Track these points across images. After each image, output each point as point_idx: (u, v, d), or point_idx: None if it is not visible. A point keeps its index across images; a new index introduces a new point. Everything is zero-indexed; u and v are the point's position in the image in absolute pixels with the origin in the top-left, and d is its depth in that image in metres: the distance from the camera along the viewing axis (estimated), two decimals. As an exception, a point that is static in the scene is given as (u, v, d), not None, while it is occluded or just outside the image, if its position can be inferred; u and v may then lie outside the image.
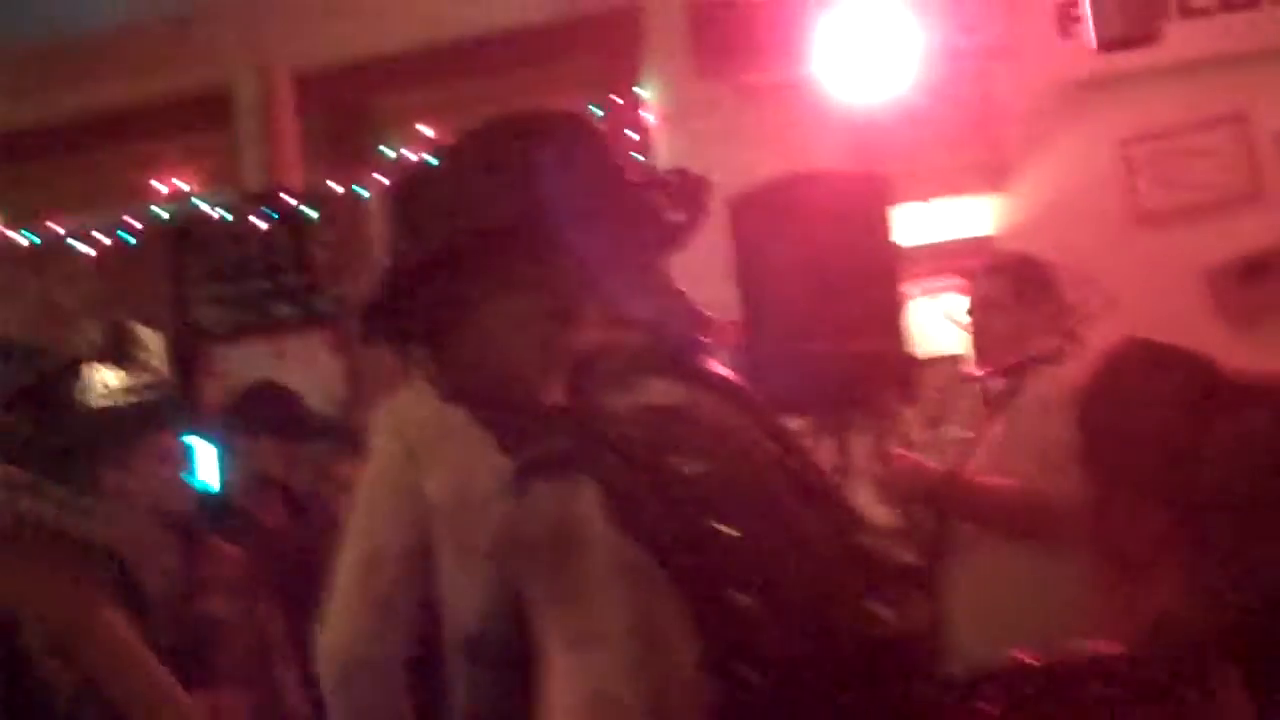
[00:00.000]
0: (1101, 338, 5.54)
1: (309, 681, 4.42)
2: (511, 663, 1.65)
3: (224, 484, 5.00)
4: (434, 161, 1.90)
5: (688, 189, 1.89)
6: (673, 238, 1.91)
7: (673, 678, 1.53)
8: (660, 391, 1.73)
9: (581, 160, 1.85)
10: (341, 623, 2.95)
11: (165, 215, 7.55)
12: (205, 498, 4.43)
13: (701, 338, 1.86)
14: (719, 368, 1.84)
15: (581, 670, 1.52)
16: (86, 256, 7.65)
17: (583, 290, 1.80)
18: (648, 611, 1.54)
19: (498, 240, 1.78)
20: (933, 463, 4.22)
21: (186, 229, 7.79)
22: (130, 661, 2.73)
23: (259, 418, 4.87)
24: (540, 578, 1.58)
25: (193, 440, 4.38)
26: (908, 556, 4.05)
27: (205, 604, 4.14)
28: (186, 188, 7.49)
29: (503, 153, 1.83)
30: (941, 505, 4.15)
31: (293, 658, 4.40)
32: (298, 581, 4.72)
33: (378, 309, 1.85)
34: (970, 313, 4.58)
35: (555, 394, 1.79)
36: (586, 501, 1.56)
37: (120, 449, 4.10)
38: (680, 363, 1.79)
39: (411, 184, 1.89)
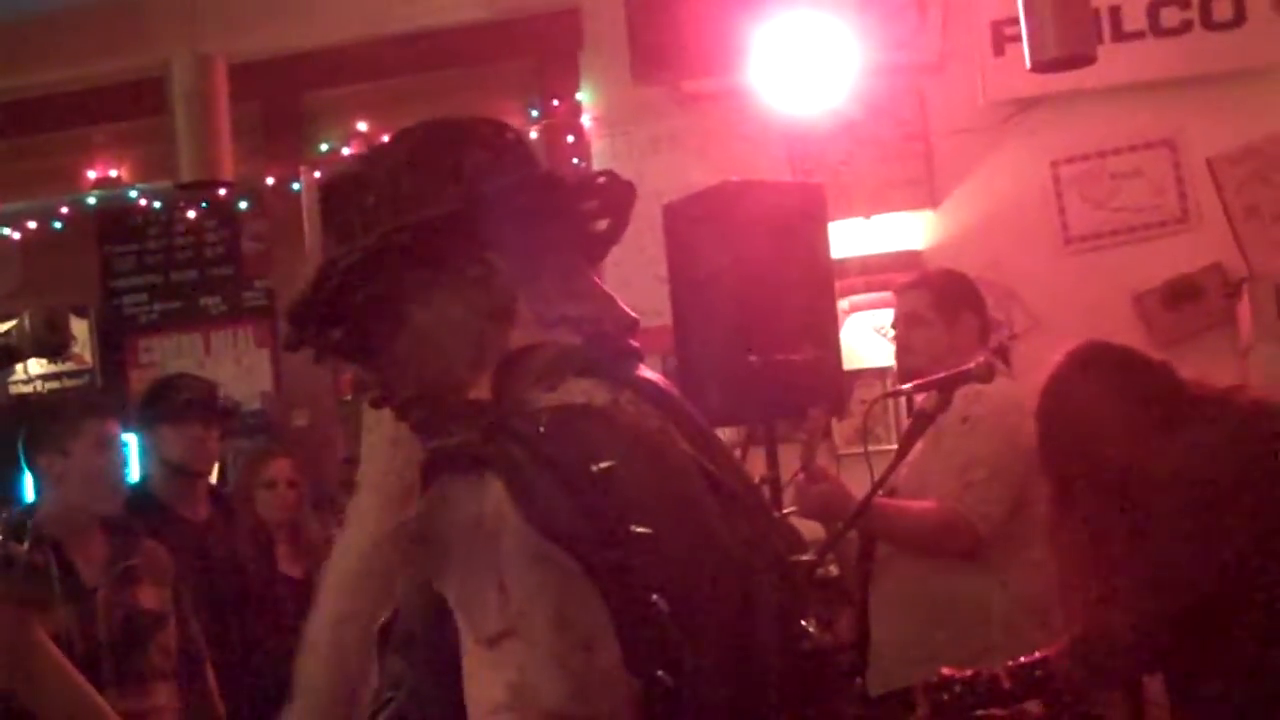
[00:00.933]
0: (1027, 355, 5.63)
1: (225, 681, 4.41)
2: (421, 657, 1.65)
3: (144, 475, 4.96)
4: (362, 163, 1.89)
5: (615, 193, 1.90)
6: (600, 241, 1.93)
7: (595, 670, 1.52)
8: (581, 391, 1.73)
9: (511, 163, 1.85)
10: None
11: (94, 202, 7.48)
12: (130, 489, 4.40)
13: (630, 341, 1.86)
14: (647, 372, 1.85)
15: (500, 662, 1.51)
16: (12, 241, 7.57)
17: (516, 290, 1.80)
18: (566, 604, 1.52)
19: (431, 238, 1.77)
20: (853, 483, 4.24)
21: (116, 217, 7.73)
22: (58, 679, 2.70)
23: (164, 407, 4.84)
24: (453, 575, 1.57)
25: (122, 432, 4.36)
26: (832, 569, 4.09)
27: (136, 596, 4.11)
28: (117, 175, 7.42)
29: (434, 154, 1.83)
30: (861, 526, 4.17)
31: (211, 656, 4.37)
32: (220, 577, 4.69)
33: (307, 312, 1.84)
34: (893, 326, 4.61)
35: (481, 393, 1.78)
36: (495, 495, 1.56)
37: (61, 435, 4.08)
38: (606, 364, 1.79)
39: (340, 185, 1.87)
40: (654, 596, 1.56)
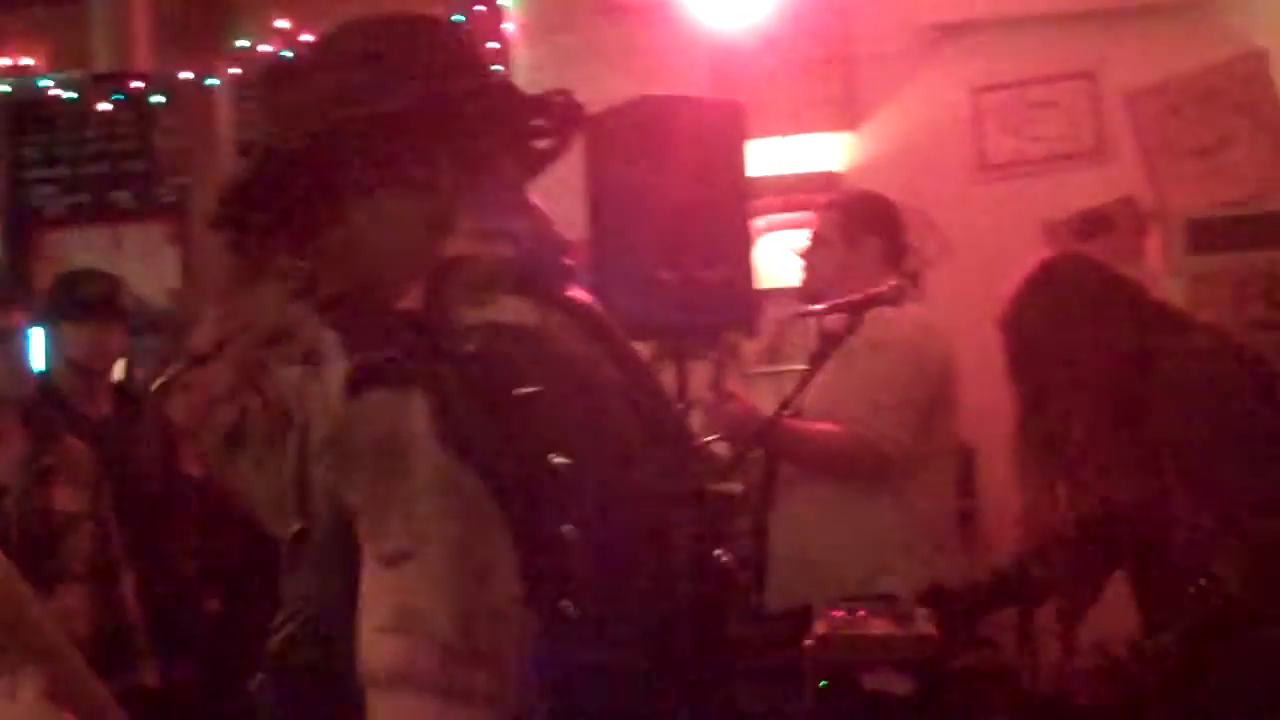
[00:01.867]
0: (939, 281, 5.67)
1: (140, 587, 4.39)
2: (326, 567, 1.64)
3: (46, 369, 4.91)
4: (312, 50, 1.84)
5: (566, 112, 1.88)
6: (542, 158, 1.91)
7: (488, 604, 1.51)
8: (512, 309, 1.71)
9: (467, 67, 1.83)
10: None
11: (6, 90, 7.34)
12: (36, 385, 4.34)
13: (565, 260, 1.85)
14: (579, 292, 1.84)
15: (394, 584, 1.50)
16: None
17: (458, 198, 1.78)
18: (468, 533, 1.51)
19: (381, 133, 1.74)
20: (762, 403, 4.27)
21: (27, 107, 7.59)
22: None
23: (68, 303, 4.79)
24: (361, 487, 1.56)
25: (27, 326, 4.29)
26: (736, 488, 4.13)
27: (50, 495, 4.08)
28: (30, 63, 7.29)
29: (391, 49, 1.79)
30: (768, 448, 4.20)
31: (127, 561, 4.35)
32: (117, 475, 4.66)
33: (242, 193, 1.80)
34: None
35: (412, 301, 1.76)
36: (415, 414, 1.54)
37: None
38: (539, 283, 1.78)
39: (289, 70, 1.83)
40: (566, 526, 1.56)
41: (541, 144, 1.89)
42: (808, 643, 3.37)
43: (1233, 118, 5.99)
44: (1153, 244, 5.83)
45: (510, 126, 1.85)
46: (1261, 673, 3.10)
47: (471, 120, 1.78)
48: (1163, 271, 5.67)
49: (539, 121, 1.87)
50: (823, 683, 3.31)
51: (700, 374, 4.25)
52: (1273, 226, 5.74)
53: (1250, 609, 3.11)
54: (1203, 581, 3.15)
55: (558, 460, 1.57)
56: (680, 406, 4.09)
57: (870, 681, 3.27)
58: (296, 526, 1.77)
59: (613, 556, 1.61)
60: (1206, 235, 5.74)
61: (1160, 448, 3.27)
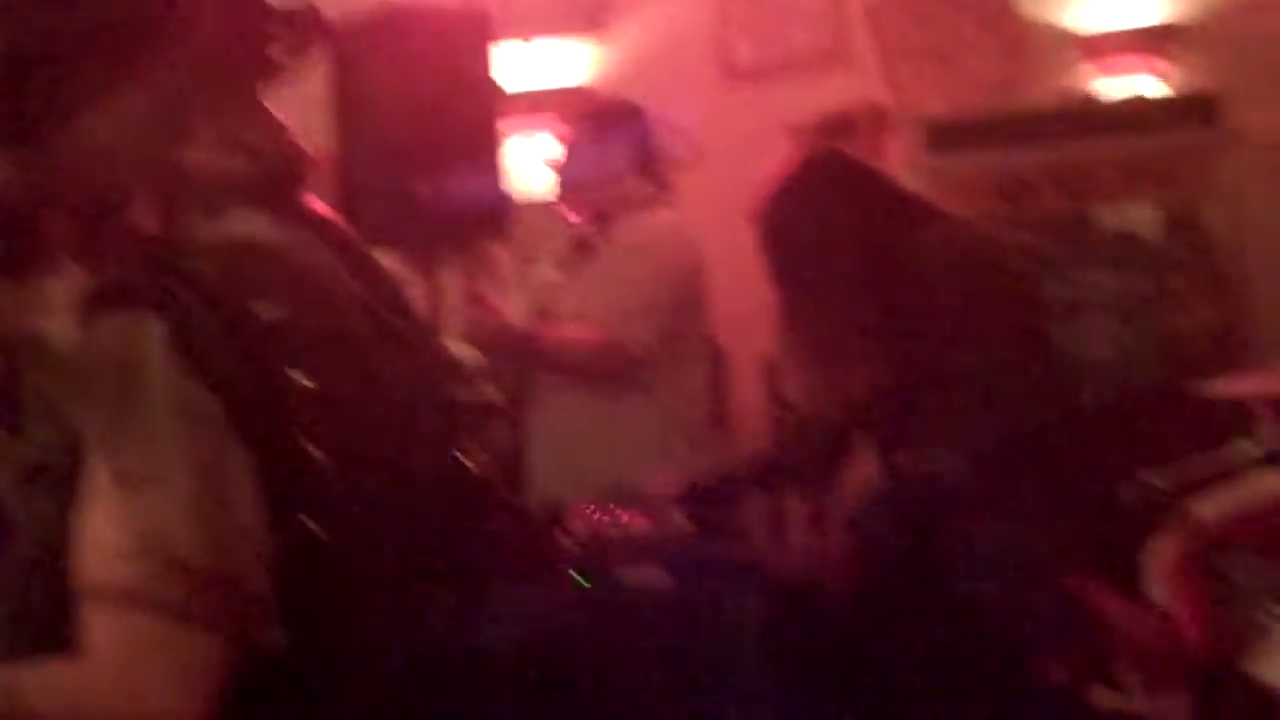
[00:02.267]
0: (689, 187, 5.74)
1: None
2: (61, 494, 1.60)
3: None
4: None
5: (313, 29, 1.85)
6: (283, 69, 1.88)
7: (233, 525, 1.49)
8: (251, 225, 1.69)
9: None
10: None
11: None
12: None
13: (303, 173, 1.83)
14: (317, 204, 1.82)
15: (135, 509, 1.47)
16: None
17: (200, 109, 1.72)
18: (210, 456, 1.49)
19: (117, 37, 1.67)
20: (516, 312, 4.30)
21: None
22: None
23: None
24: (97, 412, 1.52)
25: None
26: (490, 394, 4.14)
27: None
28: None
29: None
30: (522, 355, 4.23)
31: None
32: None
33: None
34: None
35: (147, 214, 1.70)
36: (151, 338, 1.50)
37: None
38: (277, 196, 1.75)
39: None
40: (307, 445, 1.55)
41: (282, 55, 1.86)
42: (565, 541, 3.42)
43: (968, 21, 6.15)
44: (893, 146, 5.96)
45: (250, 36, 1.81)
46: (976, 554, 3.22)
47: (209, 28, 1.74)
48: (903, 172, 5.80)
49: (280, 31, 1.85)
50: (581, 580, 3.36)
51: (452, 284, 4.25)
52: (1009, 127, 5.90)
53: (965, 493, 3.22)
54: (919, 464, 3.26)
55: (298, 378, 1.57)
56: (431, 317, 4.09)
57: (627, 577, 3.34)
58: (35, 456, 1.72)
59: (357, 473, 1.60)
60: (945, 136, 5.89)
61: (911, 334, 3.37)
